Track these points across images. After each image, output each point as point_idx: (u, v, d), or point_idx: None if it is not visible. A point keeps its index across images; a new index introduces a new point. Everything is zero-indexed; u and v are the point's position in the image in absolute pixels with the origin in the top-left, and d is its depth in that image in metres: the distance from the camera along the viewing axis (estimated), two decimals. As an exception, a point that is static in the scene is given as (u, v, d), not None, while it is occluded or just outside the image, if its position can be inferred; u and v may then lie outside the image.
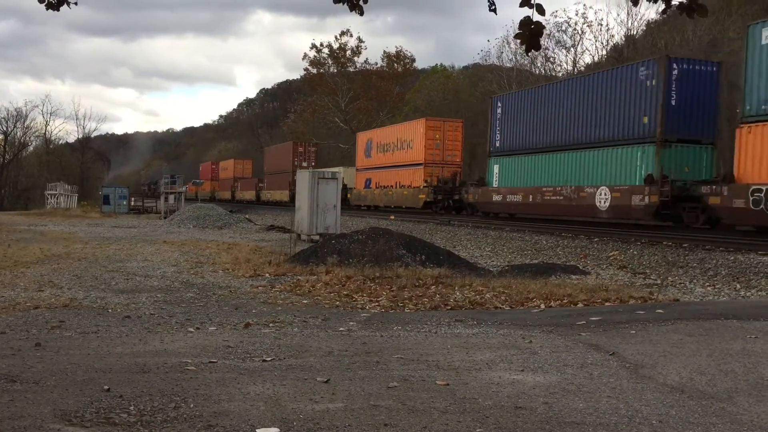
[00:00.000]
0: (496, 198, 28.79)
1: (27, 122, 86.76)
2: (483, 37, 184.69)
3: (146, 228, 31.22)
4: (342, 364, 5.88)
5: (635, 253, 17.01)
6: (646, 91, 21.19)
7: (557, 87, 26.58)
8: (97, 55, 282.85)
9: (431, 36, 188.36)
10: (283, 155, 55.45)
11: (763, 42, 17.33)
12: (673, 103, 20.62)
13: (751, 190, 17.35)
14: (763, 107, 17.30)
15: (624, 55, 45.63)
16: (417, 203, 35.70)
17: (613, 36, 62.08)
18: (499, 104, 29.52)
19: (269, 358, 6.08)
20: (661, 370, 5.68)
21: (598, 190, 22.55)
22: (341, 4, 4.18)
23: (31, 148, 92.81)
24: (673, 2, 3.36)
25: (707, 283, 13.15)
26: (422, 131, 35.87)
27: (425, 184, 34.96)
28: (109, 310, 9.32)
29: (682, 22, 42.08)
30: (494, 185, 29.32)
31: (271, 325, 8.12)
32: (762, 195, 16.84)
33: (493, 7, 3.58)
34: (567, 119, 24.76)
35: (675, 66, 20.77)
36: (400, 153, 37.60)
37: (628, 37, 47.22)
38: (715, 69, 21.30)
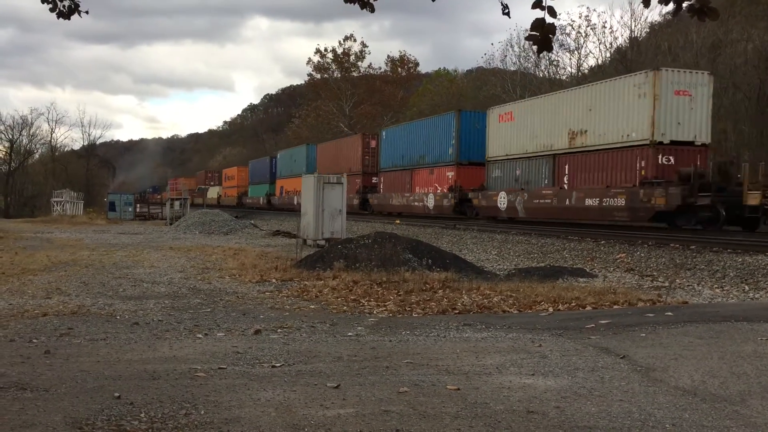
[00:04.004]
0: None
1: (32, 130, 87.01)
2: (479, 41, 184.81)
3: (152, 234, 31.27)
4: (351, 370, 5.87)
5: (642, 255, 16.96)
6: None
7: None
8: (96, 62, 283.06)
9: (428, 40, 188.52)
10: (201, 178, 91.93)
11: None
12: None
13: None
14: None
15: (628, 57, 45.56)
16: (232, 202, 72.30)
17: (616, 38, 61.98)
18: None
19: (279, 364, 6.06)
20: (672, 373, 5.65)
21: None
22: (352, 3, 4.18)
23: (36, 155, 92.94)
24: (683, 5, 3.34)
25: (715, 285, 13.09)
26: (236, 172, 74.37)
27: (236, 196, 72.28)
28: (118, 317, 9.33)
29: (685, 24, 42.05)
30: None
31: (279, 330, 8.11)
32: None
33: (507, 10, 3.58)
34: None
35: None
36: (229, 181, 77.53)
37: (632, 40, 47.17)
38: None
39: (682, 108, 21.40)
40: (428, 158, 34.37)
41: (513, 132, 28.25)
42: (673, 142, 21.30)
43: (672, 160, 21.16)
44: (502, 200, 28.44)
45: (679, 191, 19.79)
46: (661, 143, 21.21)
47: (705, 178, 20.20)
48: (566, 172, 24.98)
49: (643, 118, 21.47)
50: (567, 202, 24.27)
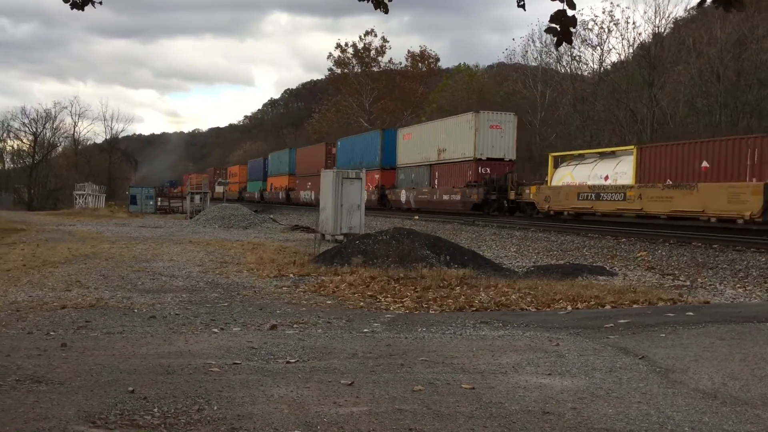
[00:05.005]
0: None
1: (56, 123, 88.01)
2: (499, 37, 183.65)
3: (172, 228, 31.47)
4: (366, 367, 5.83)
5: (663, 253, 16.76)
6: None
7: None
8: (117, 56, 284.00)
9: (446, 35, 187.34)
10: (211, 174, 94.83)
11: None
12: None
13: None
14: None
15: (651, 52, 45.02)
16: (234, 196, 76.65)
17: (640, 34, 61.11)
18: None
19: (293, 360, 6.04)
20: (692, 375, 5.55)
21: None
22: (366, 1, 4.12)
23: (60, 148, 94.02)
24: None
25: (738, 285, 12.89)
26: (238, 170, 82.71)
27: (238, 191, 79.84)
28: (135, 310, 9.37)
29: (710, 20, 41.43)
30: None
31: (295, 326, 8.10)
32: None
33: (522, 2, 3.51)
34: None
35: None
36: (232, 178, 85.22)
37: (656, 35, 46.55)
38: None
39: (495, 137, 33.12)
40: (364, 163, 43.19)
41: (411, 147, 39.94)
42: (488, 159, 32.93)
43: (488, 171, 32.70)
44: (403, 195, 40.24)
45: (483, 191, 31.94)
46: (480, 159, 32.81)
47: (496, 183, 31.94)
48: (436, 177, 36.75)
49: (471, 142, 33.01)
50: (434, 197, 36.55)
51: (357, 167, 44.31)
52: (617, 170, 25.18)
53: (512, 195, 30.71)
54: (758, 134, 21.77)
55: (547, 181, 28.95)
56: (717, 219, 20.44)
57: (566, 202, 26.73)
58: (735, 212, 19.64)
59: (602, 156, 27.24)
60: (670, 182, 22.21)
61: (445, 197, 34.96)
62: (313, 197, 49.94)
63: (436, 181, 36.53)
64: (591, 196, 25.26)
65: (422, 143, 38.21)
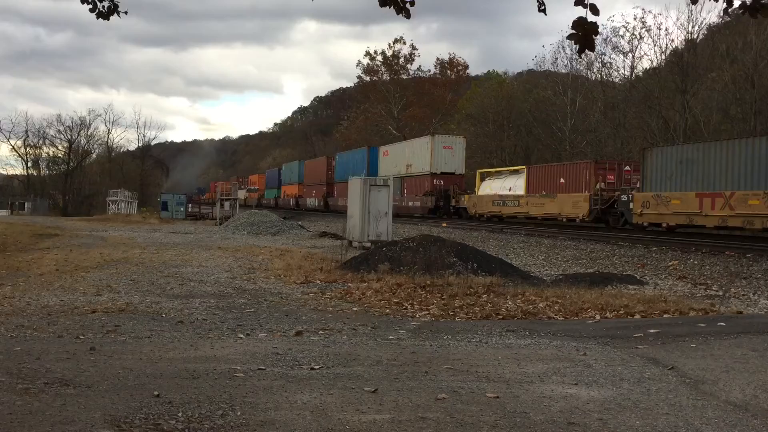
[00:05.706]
0: None
1: (90, 131, 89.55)
2: (527, 43, 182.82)
3: (202, 234, 31.78)
4: (390, 374, 5.81)
5: (696, 263, 16.48)
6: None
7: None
8: (150, 65, 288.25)
9: (475, 42, 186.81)
10: (235, 182, 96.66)
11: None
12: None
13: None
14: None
15: (684, 59, 44.42)
16: (253, 203, 79.79)
17: (672, 41, 60.22)
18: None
19: (317, 367, 6.04)
20: (723, 387, 5.44)
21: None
22: (388, 7, 4.13)
23: (94, 155, 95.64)
24: (735, 2, 3.19)
25: (773, 295, 12.61)
26: (257, 178, 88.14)
27: (257, 198, 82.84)
28: (163, 315, 9.47)
29: (744, 26, 40.75)
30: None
31: (320, 332, 8.11)
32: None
33: (543, 7, 3.47)
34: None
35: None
36: (252, 185, 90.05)
37: (689, 42, 45.89)
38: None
39: (447, 155, 40.77)
40: (355, 175, 51.00)
41: (389, 162, 47.27)
42: (442, 173, 40.42)
43: (443, 183, 40.33)
44: None
45: (434, 198, 39.75)
46: (435, 173, 40.35)
47: (444, 193, 39.54)
48: (405, 187, 44.21)
49: (428, 160, 40.79)
50: (403, 203, 43.05)
51: (348, 179, 50.34)
52: (517, 183, 33.77)
53: (453, 202, 39.29)
54: (590, 160, 31.32)
55: (475, 191, 37.94)
56: (566, 219, 28.95)
57: (486, 207, 35.57)
58: (575, 214, 28.38)
59: (511, 173, 36.11)
60: (544, 193, 30.99)
61: (410, 204, 43.19)
62: (317, 203, 59.63)
63: (405, 190, 44.38)
64: (500, 202, 34.34)
65: (396, 159, 46.29)
